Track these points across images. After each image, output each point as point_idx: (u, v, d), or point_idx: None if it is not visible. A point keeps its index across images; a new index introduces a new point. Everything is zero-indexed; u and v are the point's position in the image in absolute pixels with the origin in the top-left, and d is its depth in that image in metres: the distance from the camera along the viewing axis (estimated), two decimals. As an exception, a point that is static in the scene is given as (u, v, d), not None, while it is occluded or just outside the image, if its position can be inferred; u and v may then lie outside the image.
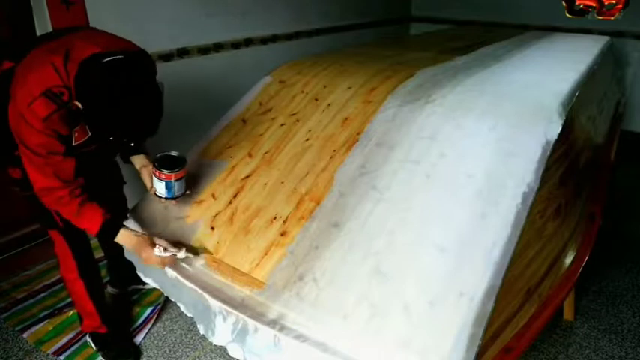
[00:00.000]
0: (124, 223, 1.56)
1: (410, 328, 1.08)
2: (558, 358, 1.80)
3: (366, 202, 1.34)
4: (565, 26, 3.62)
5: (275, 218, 1.42)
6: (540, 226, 1.34)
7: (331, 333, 1.12)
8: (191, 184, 1.58)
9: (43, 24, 2.09)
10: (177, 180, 1.44)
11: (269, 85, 1.94)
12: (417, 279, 1.15)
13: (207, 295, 1.29)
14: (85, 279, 1.65)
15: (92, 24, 2.15)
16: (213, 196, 1.57)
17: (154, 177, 1.45)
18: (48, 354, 1.82)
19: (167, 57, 2.56)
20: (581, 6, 3.00)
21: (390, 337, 1.08)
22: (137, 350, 1.83)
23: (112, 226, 1.37)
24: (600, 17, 3.00)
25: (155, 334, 1.92)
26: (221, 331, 1.26)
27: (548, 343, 1.86)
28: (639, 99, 3.78)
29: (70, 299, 1.80)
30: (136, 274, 1.55)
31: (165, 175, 1.42)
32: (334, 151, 1.55)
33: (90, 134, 1.35)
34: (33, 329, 1.92)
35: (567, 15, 3.08)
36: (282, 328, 1.15)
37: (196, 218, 1.52)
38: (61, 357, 1.80)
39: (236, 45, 2.97)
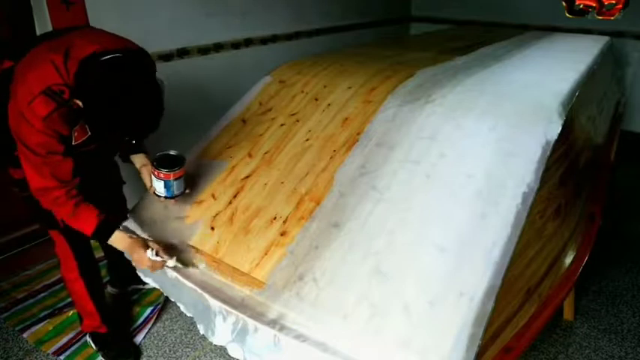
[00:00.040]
0: (124, 223, 1.57)
1: (410, 328, 1.08)
2: (558, 358, 1.80)
3: (366, 202, 1.34)
4: (565, 26, 3.62)
5: (275, 218, 1.42)
6: (540, 226, 1.34)
7: (331, 333, 1.12)
8: (191, 184, 1.58)
9: (43, 24, 2.09)
10: (176, 179, 1.44)
11: (269, 85, 1.94)
12: (417, 279, 1.15)
13: (207, 295, 1.29)
14: (86, 279, 1.65)
15: (92, 24, 2.15)
16: (213, 196, 1.57)
17: (153, 176, 1.45)
18: (48, 354, 1.82)
19: (167, 57, 2.56)
20: (581, 6, 3.00)
21: (390, 337, 1.08)
22: (137, 350, 1.83)
23: (107, 227, 1.37)
24: (600, 17, 3.00)
25: (155, 334, 1.92)
26: (221, 331, 1.26)
27: (548, 343, 1.86)
28: (639, 99, 3.78)
29: (70, 299, 1.80)
30: (136, 274, 1.55)
31: (164, 174, 1.42)
32: (334, 151, 1.55)
33: (89, 133, 1.35)
34: (33, 329, 1.92)
35: (567, 15, 3.08)
36: (282, 328, 1.15)
37: (196, 218, 1.52)
38: (61, 357, 1.80)
39: (236, 45, 2.97)
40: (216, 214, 1.50)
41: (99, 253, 1.96)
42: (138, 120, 1.20)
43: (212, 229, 1.47)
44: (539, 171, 1.26)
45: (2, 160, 1.43)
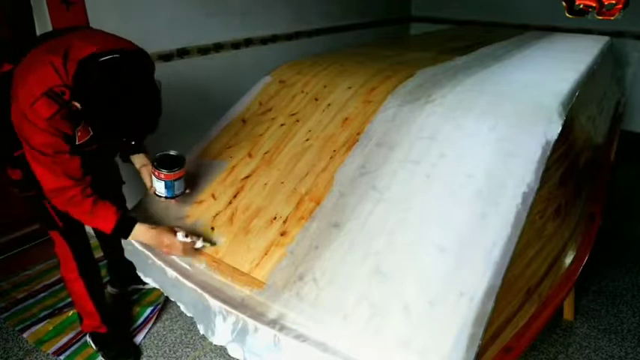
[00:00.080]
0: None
1: (410, 328, 1.08)
2: (558, 358, 1.80)
3: (366, 202, 1.34)
4: (565, 26, 3.62)
5: (275, 218, 1.42)
6: (540, 226, 1.34)
7: (331, 333, 1.12)
8: (191, 184, 1.58)
9: (43, 24, 2.09)
10: (176, 179, 1.45)
11: (269, 85, 1.94)
12: (417, 279, 1.15)
13: (207, 295, 1.29)
14: (85, 279, 1.65)
15: (92, 24, 2.15)
16: (213, 196, 1.57)
17: (153, 176, 1.45)
18: (48, 354, 1.82)
19: (167, 57, 2.56)
20: (581, 6, 3.00)
21: (390, 337, 1.08)
22: (137, 350, 1.83)
23: (127, 222, 1.37)
24: (600, 17, 3.00)
25: (155, 334, 1.92)
26: (221, 331, 1.26)
27: (548, 343, 1.86)
28: (639, 99, 3.78)
29: (70, 299, 1.80)
30: (136, 274, 1.55)
31: (165, 174, 1.43)
32: (334, 151, 1.55)
33: (92, 133, 1.35)
34: (33, 329, 1.92)
35: (567, 15, 3.08)
36: (282, 328, 1.15)
37: (196, 218, 1.52)
38: (61, 357, 1.80)
39: (236, 45, 2.97)
40: (216, 214, 1.50)
41: (99, 253, 1.96)
42: (136, 121, 1.20)
43: (212, 229, 1.47)
44: (539, 171, 1.26)
45: (1, 160, 1.43)
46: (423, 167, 1.37)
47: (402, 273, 1.17)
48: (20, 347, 1.85)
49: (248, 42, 3.04)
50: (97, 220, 1.36)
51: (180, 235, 1.35)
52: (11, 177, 1.45)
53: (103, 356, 1.79)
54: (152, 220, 1.57)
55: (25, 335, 1.90)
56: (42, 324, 1.94)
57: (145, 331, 1.92)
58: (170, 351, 1.84)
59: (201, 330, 1.33)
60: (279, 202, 1.46)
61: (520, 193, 1.22)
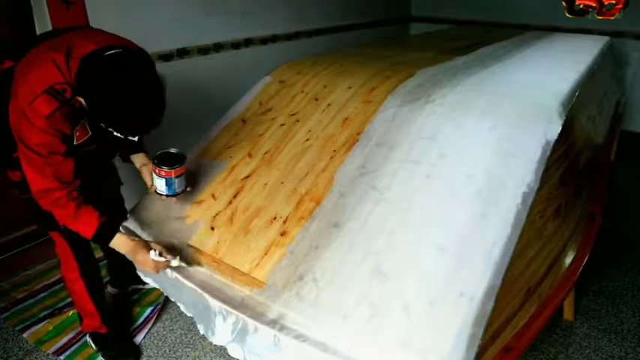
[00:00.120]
0: (124, 223, 1.57)
1: (410, 328, 1.08)
2: (558, 358, 1.80)
3: (366, 202, 1.34)
4: (565, 26, 3.62)
5: (275, 218, 1.42)
6: (540, 226, 1.34)
7: (331, 333, 1.12)
8: (191, 184, 1.58)
9: (43, 24, 2.09)
10: (177, 176, 1.44)
11: (269, 85, 1.94)
12: (417, 279, 1.15)
13: (207, 295, 1.29)
14: (86, 279, 1.65)
15: (92, 24, 2.15)
16: (213, 196, 1.57)
17: (154, 174, 1.45)
18: (48, 354, 1.82)
19: (167, 57, 2.56)
20: (581, 6, 3.00)
21: (390, 337, 1.08)
22: (137, 350, 1.83)
23: (108, 230, 1.36)
24: (600, 17, 3.00)
25: (155, 334, 1.92)
26: (221, 331, 1.26)
27: (548, 343, 1.86)
28: (639, 99, 3.78)
29: (70, 299, 1.80)
30: (136, 274, 1.55)
31: (165, 171, 1.42)
32: (334, 151, 1.55)
33: (90, 133, 1.35)
34: (33, 329, 1.92)
35: (567, 15, 3.09)
36: (282, 328, 1.15)
37: (196, 218, 1.52)
38: (61, 357, 1.80)
39: (236, 45, 2.97)
40: (216, 214, 1.50)
41: (99, 254, 1.96)
42: (141, 115, 1.20)
43: (212, 229, 1.47)
44: (539, 171, 1.26)
45: (1, 161, 1.42)
46: (423, 167, 1.37)
47: (402, 273, 1.17)
48: (20, 347, 1.85)
49: (248, 42, 3.04)
50: (79, 225, 1.35)
51: (152, 254, 1.34)
52: (11, 178, 1.44)
53: (103, 356, 1.79)
54: (151, 220, 1.58)
55: (25, 335, 1.90)
56: (42, 324, 1.94)
57: (145, 331, 1.92)
58: (170, 351, 1.84)
59: (201, 330, 1.33)
60: (279, 202, 1.46)
61: (520, 193, 1.22)
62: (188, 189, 1.52)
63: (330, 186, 1.43)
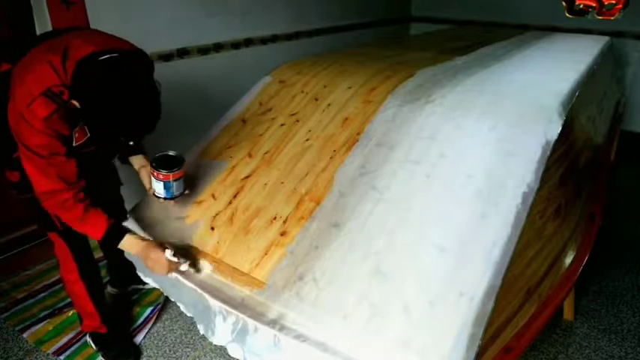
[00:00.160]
0: (124, 223, 1.56)
1: (410, 328, 1.08)
2: (558, 358, 1.80)
3: (366, 202, 1.34)
4: (565, 26, 3.62)
5: (275, 218, 1.42)
6: (540, 226, 1.34)
7: (331, 333, 1.12)
8: (191, 184, 1.58)
9: (43, 24, 2.09)
10: (175, 180, 1.44)
11: (269, 85, 1.94)
12: (417, 279, 1.15)
13: (207, 295, 1.29)
14: (85, 280, 1.65)
15: (92, 24, 2.15)
16: (213, 196, 1.57)
17: (152, 177, 1.45)
18: (48, 354, 1.82)
19: (167, 57, 2.56)
20: (581, 6, 3.00)
21: (390, 337, 1.08)
22: (137, 350, 1.83)
23: (117, 231, 1.36)
24: (600, 17, 3.00)
25: (155, 334, 1.92)
26: (221, 331, 1.26)
27: (548, 343, 1.86)
28: (639, 99, 3.78)
29: (70, 299, 1.80)
30: (136, 274, 1.55)
31: (164, 175, 1.42)
32: (334, 151, 1.55)
33: (89, 135, 1.35)
34: (33, 329, 1.92)
35: (567, 15, 3.09)
36: (282, 328, 1.15)
37: (196, 218, 1.52)
38: (61, 357, 1.80)
39: (236, 45, 2.97)
40: (216, 214, 1.50)
41: (98, 254, 1.96)
42: (135, 120, 1.20)
43: (212, 229, 1.47)
44: (539, 171, 1.26)
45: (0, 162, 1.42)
46: (423, 167, 1.37)
47: (402, 273, 1.17)
48: (20, 347, 1.85)
49: (248, 42, 3.04)
50: (87, 227, 1.34)
51: (168, 252, 1.33)
52: (10, 179, 1.44)
53: (103, 356, 1.79)
54: (151, 221, 1.58)
55: (25, 335, 1.90)
56: (42, 324, 1.94)
57: (145, 331, 1.92)
58: (170, 351, 1.84)
59: (201, 330, 1.33)
60: (279, 202, 1.45)
61: (520, 193, 1.22)
62: (186, 192, 1.51)
63: (330, 186, 1.43)
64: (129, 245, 1.37)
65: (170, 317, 2.02)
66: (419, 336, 1.06)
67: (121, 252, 1.57)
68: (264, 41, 3.16)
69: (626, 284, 2.21)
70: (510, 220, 1.17)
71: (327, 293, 1.19)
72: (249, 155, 1.66)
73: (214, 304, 1.27)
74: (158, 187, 1.44)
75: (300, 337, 1.13)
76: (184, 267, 1.35)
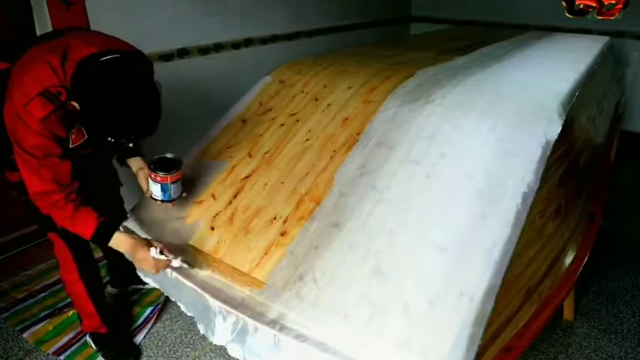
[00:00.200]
0: (124, 223, 1.56)
1: (410, 328, 1.08)
2: (558, 358, 1.80)
3: (366, 202, 1.34)
4: (565, 26, 3.62)
5: (275, 218, 1.42)
6: (540, 226, 1.34)
7: (331, 333, 1.12)
8: (191, 184, 1.58)
9: (43, 24, 2.09)
10: (173, 182, 1.43)
11: (269, 85, 1.94)
12: (417, 279, 1.15)
13: (207, 295, 1.29)
14: (85, 280, 1.64)
15: (92, 24, 2.15)
16: (213, 196, 1.57)
17: (149, 179, 1.44)
18: (48, 354, 1.82)
19: (167, 57, 2.56)
20: (581, 6, 3.00)
21: (390, 337, 1.08)
22: (137, 350, 1.83)
23: (106, 229, 1.35)
24: (600, 17, 3.00)
25: (155, 334, 1.92)
26: (221, 331, 1.26)
27: (548, 343, 1.86)
28: (639, 99, 3.78)
29: (70, 299, 1.80)
30: (136, 274, 1.55)
31: (161, 177, 1.41)
32: (334, 151, 1.55)
33: (86, 136, 1.34)
34: (33, 329, 1.92)
35: (567, 15, 3.09)
36: (282, 328, 1.15)
37: (196, 218, 1.52)
38: (61, 357, 1.80)
39: (236, 45, 2.97)
40: (216, 214, 1.50)
41: (98, 254, 1.96)
42: (134, 123, 1.19)
43: (212, 229, 1.47)
44: (539, 171, 1.26)
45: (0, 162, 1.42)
46: (423, 167, 1.37)
47: (402, 273, 1.17)
48: (20, 347, 1.85)
49: (248, 42, 3.04)
50: (78, 226, 1.34)
51: (152, 251, 1.32)
52: (9, 179, 1.44)
53: (103, 356, 1.79)
54: (151, 221, 1.58)
55: (25, 335, 1.90)
56: (42, 324, 1.94)
57: (145, 331, 1.92)
58: (170, 351, 1.84)
59: (202, 330, 1.33)
60: (279, 202, 1.45)
61: (520, 193, 1.22)
62: (184, 194, 1.51)
63: (330, 186, 1.44)
64: (118, 243, 1.36)
65: (170, 317, 2.02)
66: (419, 336, 1.06)
67: (122, 253, 1.58)
68: (264, 41, 3.16)
69: (626, 284, 2.20)
70: (510, 220, 1.17)
71: (327, 293, 1.19)
72: (249, 155, 1.66)
73: (214, 304, 1.27)
74: (156, 190, 1.44)
75: (300, 337, 1.13)
76: (176, 263, 1.34)
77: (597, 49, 2.52)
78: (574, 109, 1.60)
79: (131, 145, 1.49)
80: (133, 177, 1.57)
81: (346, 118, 1.65)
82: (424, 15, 4.65)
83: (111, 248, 1.38)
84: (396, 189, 1.35)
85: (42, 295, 2.12)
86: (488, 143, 1.37)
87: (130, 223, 1.59)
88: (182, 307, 1.43)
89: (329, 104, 1.73)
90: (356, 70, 1.92)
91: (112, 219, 1.39)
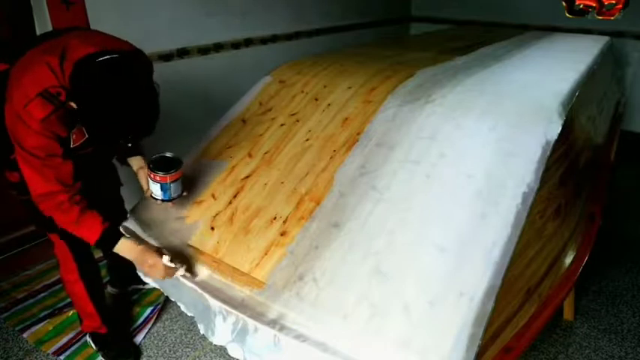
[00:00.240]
0: (124, 223, 1.56)
1: (410, 328, 1.08)
2: (558, 358, 1.80)
3: (366, 202, 1.34)
4: (565, 26, 3.62)
5: (275, 218, 1.42)
6: (540, 226, 1.34)
7: (331, 333, 1.12)
8: (191, 184, 1.58)
9: (43, 24, 2.09)
10: (172, 182, 1.43)
11: (269, 85, 1.94)
12: (417, 279, 1.15)
13: (207, 295, 1.29)
14: (85, 281, 1.64)
15: (92, 24, 2.15)
16: (213, 196, 1.57)
17: (149, 179, 1.44)
18: (48, 354, 1.82)
19: (167, 57, 2.56)
20: (581, 6, 3.00)
21: (390, 337, 1.08)
22: (137, 350, 1.83)
23: (112, 235, 1.35)
24: (600, 17, 3.00)
25: (155, 334, 1.92)
26: (221, 331, 1.26)
27: (548, 343, 1.86)
28: (639, 99, 3.78)
29: (70, 299, 1.80)
30: (136, 274, 1.55)
31: (161, 176, 1.41)
32: (334, 151, 1.55)
33: (87, 136, 1.34)
34: (33, 329, 1.92)
35: (567, 15, 3.09)
36: (282, 328, 1.15)
37: (196, 218, 1.52)
38: (61, 357, 1.80)
39: (236, 45, 2.97)
40: (216, 214, 1.50)
41: (98, 254, 1.96)
42: (132, 123, 1.19)
43: (212, 229, 1.47)
44: (539, 171, 1.26)
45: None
46: (423, 167, 1.37)
47: (402, 273, 1.17)
48: (20, 347, 1.85)
49: (248, 42, 3.04)
50: (82, 230, 1.33)
51: (165, 259, 1.32)
52: (9, 179, 1.43)
53: (103, 356, 1.79)
54: (151, 221, 1.58)
55: (25, 335, 1.90)
56: (42, 324, 1.94)
57: (145, 331, 1.92)
58: (170, 351, 1.84)
59: (202, 330, 1.33)
60: (279, 202, 1.45)
61: (520, 193, 1.22)
62: (184, 194, 1.50)
63: (330, 186, 1.43)
64: (124, 250, 1.36)
65: (170, 317, 2.02)
66: (419, 336, 1.06)
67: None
68: (264, 41, 3.16)
69: (626, 284, 2.21)
70: (510, 220, 1.17)
71: (327, 293, 1.19)
72: (249, 155, 1.66)
73: (214, 304, 1.27)
74: (155, 189, 1.44)
75: (300, 337, 1.13)
76: (181, 272, 1.35)
77: (597, 49, 2.52)
78: (574, 109, 1.60)
79: (130, 144, 1.49)
80: (134, 176, 1.57)
81: (346, 118, 1.65)
82: (424, 15, 4.65)
83: (107, 252, 1.37)
84: (396, 189, 1.35)
85: (42, 295, 2.12)
86: (488, 143, 1.37)
87: (130, 223, 1.59)
88: (182, 307, 1.43)
89: (329, 104, 1.73)
90: (356, 70, 1.92)
91: (117, 224, 1.37)
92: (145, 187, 1.51)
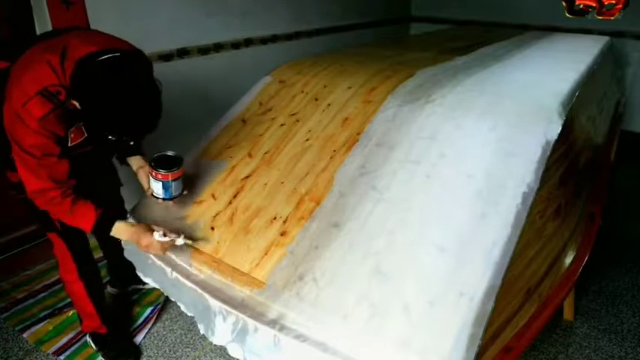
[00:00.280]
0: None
1: (410, 328, 1.08)
2: (558, 358, 1.80)
3: (366, 202, 1.34)
4: (565, 26, 3.62)
5: (275, 218, 1.42)
6: (540, 226, 1.34)
7: (331, 333, 1.12)
8: (191, 184, 1.58)
9: (43, 24, 2.09)
10: (174, 180, 1.43)
11: (269, 85, 1.94)
12: (417, 279, 1.15)
13: (207, 295, 1.29)
14: (85, 280, 1.65)
15: (92, 24, 2.15)
16: (213, 196, 1.57)
17: (150, 177, 1.44)
18: (48, 354, 1.82)
19: (167, 57, 2.56)
20: (581, 6, 3.00)
21: (390, 337, 1.08)
22: (137, 350, 1.83)
23: (106, 219, 1.36)
24: (600, 17, 3.00)
25: (155, 334, 1.92)
26: (221, 331, 1.26)
27: (548, 343, 1.86)
28: (639, 99, 3.78)
29: (70, 299, 1.81)
30: (136, 274, 1.55)
31: (162, 174, 1.41)
32: (334, 151, 1.55)
33: (86, 135, 1.34)
34: (33, 329, 1.92)
35: (567, 15, 3.09)
36: (282, 328, 1.15)
37: (196, 218, 1.52)
38: (61, 357, 1.80)
39: (236, 45, 2.97)
40: (216, 214, 1.50)
41: (98, 254, 1.96)
42: (135, 121, 1.19)
43: (212, 229, 1.47)
44: (539, 171, 1.26)
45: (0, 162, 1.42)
46: (423, 167, 1.37)
47: (402, 273, 1.17)
48: (20, 347, 1.85)
49: (248, 42, 3.04)
50: (77, 219, 1.34)
51: (157, 235, 1.33)
52: (10, 179, 1.44)
53: (103, 356, 1.79)
54: (151, 221, 1.57)
55: (25, 335, 1.90)
56: (42, 324, 1.94)
57: (145, 331, 1.92)
58: (170, 351, 1.84)
59: (202, 330, 1.33)
60: (279, 202, 1.45)
61: (520, 193, 1.22)
62: (185, 192, 1.51)
63: (330, 186, 1.44)
64: (119, 232, 1.37)
65: (170, 317, 2.02)
66: (419, 336, 1.06)
67: (121, 252, 1.58)
68: (264, 41, 3.16)
69: (626, 284, 2.21)
70: (510, 220, 1.17)
71: (327, 293, 1.19)
72: (249, 155, 1.66)
73: (214, 304, 1.27)
74: (157, 187, 1.44)
75: (300, 337, 1.13)
76: (180, 241, 1.35)
77: (597, 49, 2.52)
78: (574, 109, 1.60)
79: (132, 143, 1.49)
80: (134, 177, 1.57)
81: (346, 118, 1.65)
82: (424, 15, 4.65)
83: (111, 248, 1.38)
84: (396, 189, 1.35)
85: (42, 295, 2.12)
86: (488, 143, 1.37)
87: (130, 223, 1.58)
88: (182, 307, 1.42)
89: (329, 104, 1.73)
90: (356, 70, 1.92)
91: (111, 210, 1.38)
92: (145, 186, 1.51)
